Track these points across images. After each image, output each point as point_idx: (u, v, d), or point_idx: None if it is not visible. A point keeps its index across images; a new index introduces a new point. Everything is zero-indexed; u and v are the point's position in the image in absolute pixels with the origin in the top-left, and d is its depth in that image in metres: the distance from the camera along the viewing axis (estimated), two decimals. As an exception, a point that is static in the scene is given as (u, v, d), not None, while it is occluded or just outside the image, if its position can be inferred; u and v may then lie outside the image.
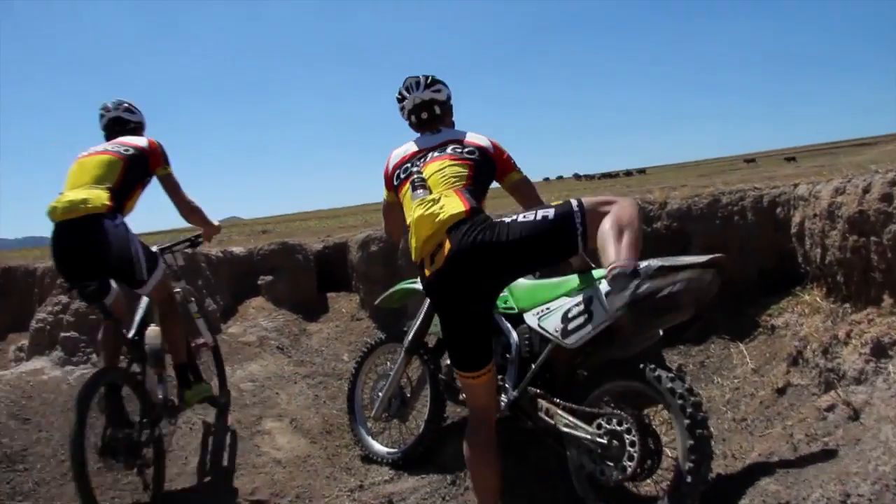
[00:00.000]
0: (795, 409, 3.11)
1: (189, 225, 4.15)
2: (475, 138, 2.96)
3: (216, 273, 6.09)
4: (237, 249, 6.66)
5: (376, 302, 4.53)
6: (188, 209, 3.91)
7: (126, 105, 3.99)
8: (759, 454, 2.91)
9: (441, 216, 2.49)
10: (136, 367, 3.69)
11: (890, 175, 2.92)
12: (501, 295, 3.26)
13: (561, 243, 2.44)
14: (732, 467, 2.98)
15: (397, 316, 5.76)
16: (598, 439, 2.67)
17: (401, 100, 3.24)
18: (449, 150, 2.87)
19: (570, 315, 2.82)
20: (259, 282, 6.48)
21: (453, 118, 3.31)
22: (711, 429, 2.70)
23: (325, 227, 12.64)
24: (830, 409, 2.83)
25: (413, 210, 2.64)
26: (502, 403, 3.05)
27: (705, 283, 2.43)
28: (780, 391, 3.32)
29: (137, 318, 3.87)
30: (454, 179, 2.69)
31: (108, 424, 3.41)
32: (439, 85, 3.18)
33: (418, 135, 3.14)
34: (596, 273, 2.86)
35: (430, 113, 3.15)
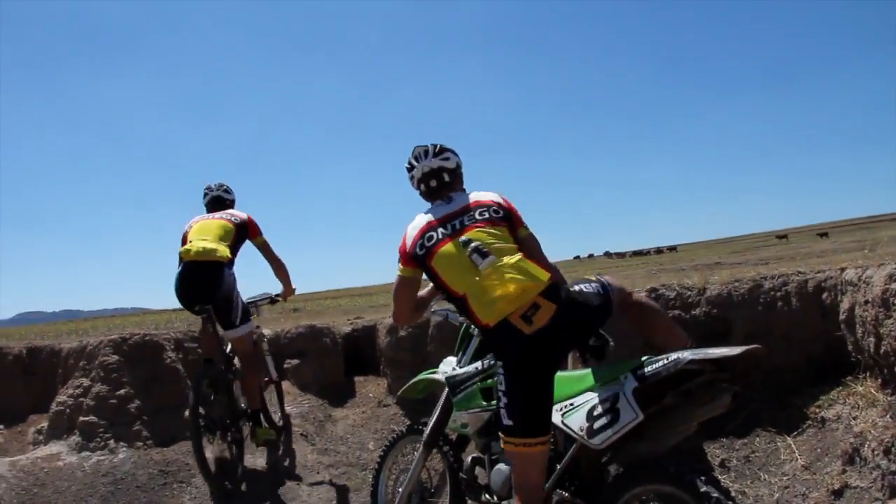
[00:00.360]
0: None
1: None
2: (489, 196, 2.95)
3: (243, 355, 5.99)
4: (264, 332, 6.58)
5: (399, 392, 4.33)
6: (279, 267, 5.02)
7: (225, 187, 5.13)
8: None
9: (532, 280, 2.56)
10: (229, 375, 4.78)
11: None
12: None
13: (606, 309, 2.74)
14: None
15: (427, 403, 5.57)
16: None
17: (410, 169, 3.18)
18: (477, 214, 2.85)
19: (595, 413, 2.63)
20: (285, 366, 6.35)
21: (464, 186, 3.23)
22: None
23: (356, 305, 12.58)
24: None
25: (480, 277, 2.62)
26: None
27: None
28: (837, 493, 3.06)
29: None
30: (508, 244, 2.75)
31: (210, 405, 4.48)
32: (448, 153, 3.13)
33: (429, 205, 3.07)
34: (610, 370, 2.69)
35: (438, 181, 3.10)
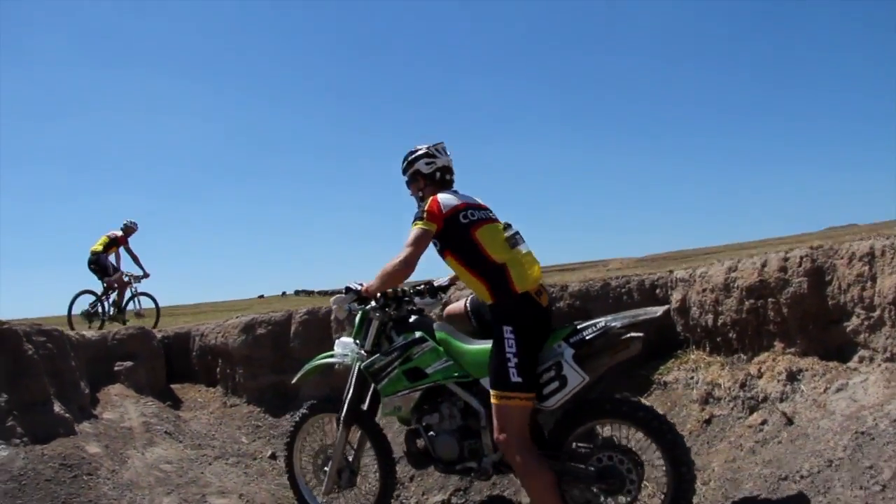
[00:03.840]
0: (729, 430, 4.21)
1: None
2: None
3: (77, 357, 5.67)
4: (88, 334, 6.25)
5: (294, 380, 4.51)
6: (135, 259, 10.81)
7: (125, 223, 10.84)
8: (724, 460, 3.91)
9: (539, 274, 3.49)
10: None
11: (781, 254, 4.33)
12: (448, 365, 3.66)
13: None
14: (705, 476, 3.91)
15: (285, 397, 5.95)
16: (601, 478, 3.31)
17: (432, 155, 3.81)
18: (492, 213, 3.68)
19: (541, 381, 3.34)
20: (116, 368, 6.13)
21: None
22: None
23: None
24: (763, 423, 3.99)
25: (518, 254, 3.47)
26: (489, 467, 3.57)
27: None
28: (707, 422, 4.41)
29: None
30: None
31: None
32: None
33: (448, 190, 3.76)
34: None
35: (451, 175, 3.84)
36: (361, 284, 3.75)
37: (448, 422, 3.74)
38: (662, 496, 3.37)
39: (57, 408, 4.76)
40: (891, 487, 2.98)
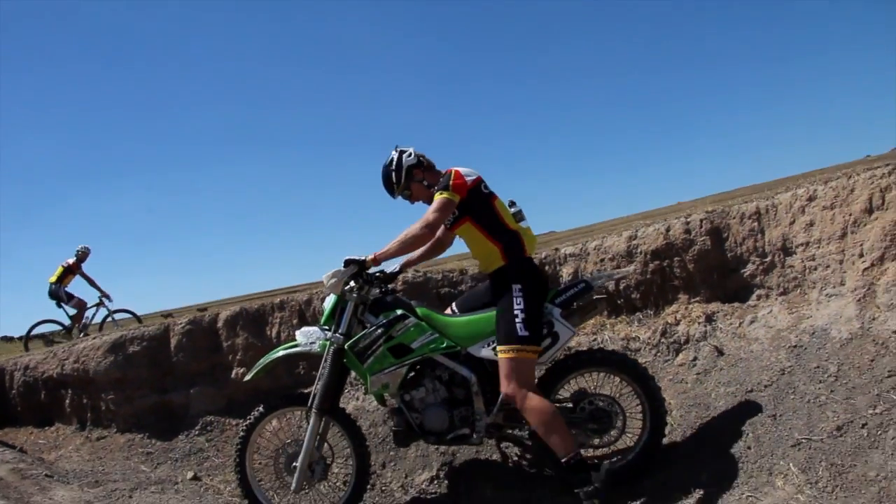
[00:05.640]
0: (660, 371, 4.95)
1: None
2: None
3: None
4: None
5: (246, 378, 4.34)
6: (91, 282, 11.85)
7: (79, 250, 11.75)
8: (675, 393, 4.64)
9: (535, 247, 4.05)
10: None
11: (683, 219, 5.23)
12: (433, 338, 3.95)
13: None
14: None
15: (172, 418, 5.56)
16: (593, 419, 3.93)
17: (403, 151, 4.16)
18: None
19: None
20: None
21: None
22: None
23: None
24: (694, 359, 4.80)
25: (521, 228, 3.99)
26: (482, 430, 3.93)
27: None
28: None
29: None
30: None
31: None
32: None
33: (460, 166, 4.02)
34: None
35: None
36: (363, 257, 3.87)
37: (433, 395, 3.99)
38: (640, 427, 4.06)
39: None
40: (841, 377, 3.91)
